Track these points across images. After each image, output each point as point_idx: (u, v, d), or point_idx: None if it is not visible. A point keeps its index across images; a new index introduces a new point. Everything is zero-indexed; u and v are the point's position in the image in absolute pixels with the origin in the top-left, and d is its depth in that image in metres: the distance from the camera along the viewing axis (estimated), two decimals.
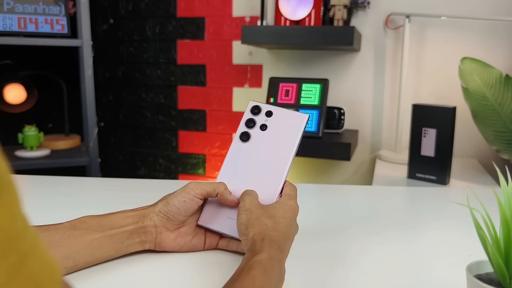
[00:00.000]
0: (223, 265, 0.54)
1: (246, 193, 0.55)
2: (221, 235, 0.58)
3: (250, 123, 0.59)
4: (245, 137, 0.59)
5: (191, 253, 0.57)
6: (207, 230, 0.57)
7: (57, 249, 0.48)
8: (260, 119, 0.59)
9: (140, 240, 0.53)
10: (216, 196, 0.55)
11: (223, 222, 0.56)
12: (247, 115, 0.60)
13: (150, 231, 0.53)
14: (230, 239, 0.57)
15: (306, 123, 0.58)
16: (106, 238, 0.51)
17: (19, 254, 0.19)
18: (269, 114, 0.59)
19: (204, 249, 0.57)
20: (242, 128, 0.60)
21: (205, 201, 0.57)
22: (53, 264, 0.22)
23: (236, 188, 0.56)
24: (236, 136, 0.59)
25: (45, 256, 0.21)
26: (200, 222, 0.57)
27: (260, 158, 0.58)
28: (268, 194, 0.56)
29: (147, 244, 0.54)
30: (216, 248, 0.58)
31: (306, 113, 0.58)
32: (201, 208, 0.57)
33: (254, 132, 0.59)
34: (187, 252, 0.57)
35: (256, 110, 0.60)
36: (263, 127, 0.59)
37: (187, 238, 0.56)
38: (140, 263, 0.54)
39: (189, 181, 0.57)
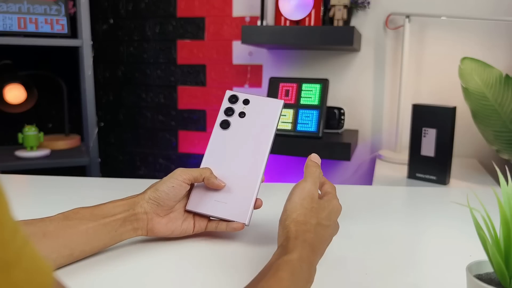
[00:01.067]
0: (228, 258, 0.54)
1: (312, 170, 0.54)
2: (209, 218, 0.60)
3: (229, 112, 0.62)
4: (225, 124, 0.62)
5: (192, 246, 0.57)
6: (195, 214, 0.60)
7: (53, 239, 0.49)
8: (238, 107, 0.62)
9: (132, 227, 0.55)
10: (203, 181, 0.58)
11: (211, 205, 0.59)
12: (225, 104, 0.63)
13: (142, 218, 0.55)
14: (218, 221, 0.59)
15: (282, 108, 0.61)
16: (100, 226, 0.52)
17: (4, 263, 0.19)
18: (246, 102, 0.62)
19: (193, 233, 0.59)
20: (221, 116, 0.63)
21: (191, 187, 0.59)
22: (43, 271, 0.21)
23: (219, 173, 0.59)
24: (216, 124, 0.62)
25: (34, 262, 0.21)
26: (189, 207, 0.59)
27: (241, 144, 0.61)
28: (250, 176, 0.59)
29: (140, 230, 0.56)
30: (205, 230, 0.60)
31: (281, 100, 0.61)
32: (188, 194, 0.59)
33: (233, 119, 0.62)
34: (187, 245, 0.58)
35: (233, 99, 0.63)
36: (242, 114, 0.62)
37: (177, 223, 0.58)
38: (138, 258, 0.54)
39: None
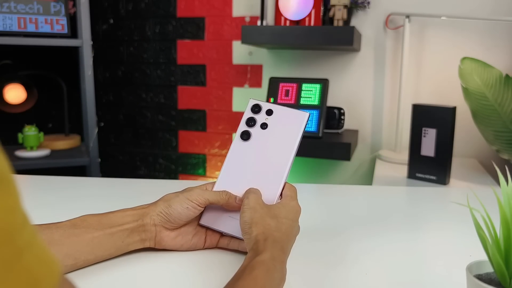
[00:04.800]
0: (225, 264, 0.54)
1: (250, 191, 0.55)
2: (221, 234, 0.58)
3: (251, 122, 0.59)
4: (245, 136, 0.59)
5: (192, 253, 0.57)
6: (208, 229, 0.57)
7: (57, 247, 0.48)
8: (260, 117, 0.59)
9: (140, 238, 0.53)
10: (221, 205, 0.56)
11: (225, 221, 0.56)
12: (248, 113, 0.60)
13: (150, 230, 0.54)
14: (230, 238, 0.57)
15: (307, 122, 0.58)
16: (106, 236, 0.51)
17: (17, 248, 0.19)
18: (269, 112, 0.59)
19: (204, 248, 0.57)
20: (242, 127, 0.59)
21: None
22: (52, 260, 0.22)
23: (237, 187, 0.56)
24: (236, 135, 0.59)
25: (43, 251, 0.21)
26: (202, 222, 0.57)
27: (261, 157, 0.58)
28: (269, 192, 0.56)
29: (147, 242, 0.54)
30: (216, 247, 0.58)
31: (306, 112, 0.58)
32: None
33: (255, 131, 0.59)
34: (188, 252, 0.57)
35: (256, 108, 0.60)
36: (264, 125, 0.59)
37: (187, 237, 0.56)
38: (140, 262, 0.54)
39: (191, 181, 0.57)
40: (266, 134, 0.58)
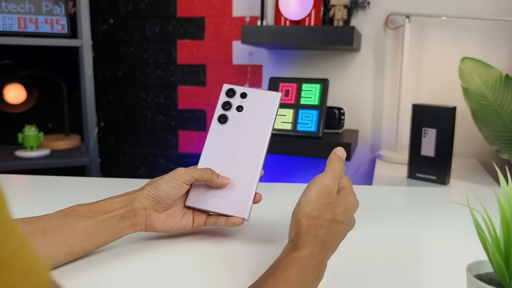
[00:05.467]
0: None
1: (335, 164, 0.54)
2: (208, 213, 0.60)
3: (227, 106, 0.62)
4: (222, 119, 0.61)
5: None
6: (195, 210, 0.59)
7: (52, 235, 0.49)
8: (235, 101, 0.62)
9: (131, 223, 0.55)
10: (205, 181, 0.58)
11: (210, 201, 0.58)
12: (223, 98, 0.62)
13: (140, 214, 0.55)
14: (217, 216, 0.59)
15: (280, 101, 0.60)
16: (98, 223, 0.52)
17: (0, 261, 0.19)
18: (243, 95, 0.62)
19: (193, 228, 0.60)
20: (219, 111, 0.62)
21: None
22: (39, 271, 0.21)
23: (218, 169, 0.59)
24: (214, 119, 0.62)
25: (30, 262, 0.21)
26: (188, 203, 0.59)
27: (239, 138, 0.60)
28: (249, 171, 0.58)
29: (138, 226, 0.56)
30: (204, 225, 0.60)
31: (278, 92, 0.61)
32: (187, 190, 0.59)
33: (231, 113, 0.61)
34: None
35: (231, 92, 0.62)
36: (239, 108, 0.61)
37: (176, 219, 0.58)
38: (149, 259, 0.54)
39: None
40: (242, 116, 0.61)
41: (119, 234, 0.55)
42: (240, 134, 0.60)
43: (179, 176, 0.56)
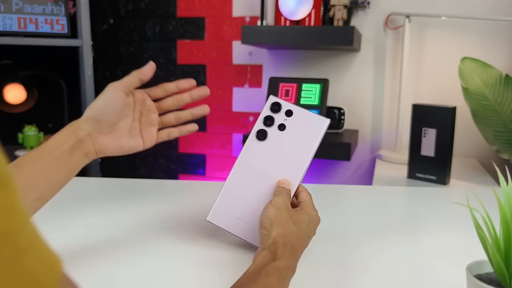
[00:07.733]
0: (233, 262, 0.54)
1: (281, 190, 0.54)
2: (158, 129, 0.60)
3: (268, 121, 0.57)
4: (261, 135, 0.57)
5: (200, 250, 0.57)
6: (215, 225, 0.57)
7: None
8: (279, 117, 0.57)
9: (82, 153, 0.55)
10: (138, 82, 0.58)
11: (232, 222, 0.56)
12: (266, 111, 0.57)
13: (87, 140, 0.55)
14: (170, 129, 0.59)
15: (327, 127, 0.56)
16: (52, 162, 0.52)
17: (18, 248, 0.19)
18: (289, 113, 0.57)
19: (145, 147, 0.60)
20: (259, 125, 0.57)
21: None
22: (53, 259, 0.22)
23: (247, 187, 0.56)
24: (252, 133, 0.57)
25: (44, 251, 0.21)
26: (209, 219, 0.57)
27: (275, 159, 0.56)
28: None
29: (90, 154, 0.56)
30: (157, 142, 0.61)
31: (327, 118, 0.56)
32: (128, 109, 0.58)
33: (272, 131, 0.57)
34: (195, 248, 0.57)
35: (276, 107, 0.57)
36: (282, 127, 0.57)
37: (123, 140, 0.58)
38: (149, 260, 0.54)
39: (191, 181, 0.59)
40: (283, 136, 0.56)
41: (75, 166, 0.55)
42: (277, 155, 0.56)
43: (110, 86, 0.56)
